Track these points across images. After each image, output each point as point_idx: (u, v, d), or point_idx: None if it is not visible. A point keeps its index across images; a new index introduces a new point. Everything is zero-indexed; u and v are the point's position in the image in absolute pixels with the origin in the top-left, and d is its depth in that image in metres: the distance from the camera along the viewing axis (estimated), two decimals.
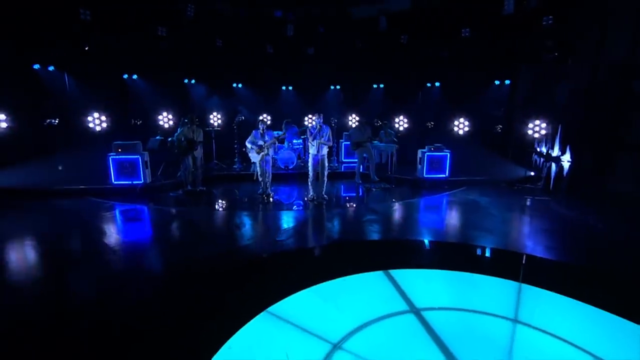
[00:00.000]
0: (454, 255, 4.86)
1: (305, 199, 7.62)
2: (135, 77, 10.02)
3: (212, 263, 4.50)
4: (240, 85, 12.47)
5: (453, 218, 6.65)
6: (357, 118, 12.58)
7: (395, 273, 4.00)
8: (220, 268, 4.33)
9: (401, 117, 11.48)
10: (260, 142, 7.37)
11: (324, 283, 3.74)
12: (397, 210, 7.14)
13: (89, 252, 4.90)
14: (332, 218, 6.66)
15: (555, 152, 8.05)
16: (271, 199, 7.57)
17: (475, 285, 3.83)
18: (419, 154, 9.14)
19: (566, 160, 7.72)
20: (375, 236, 5.71)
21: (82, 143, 8.76)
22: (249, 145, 7.48)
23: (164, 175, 9.00)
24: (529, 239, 5.48)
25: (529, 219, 6.52)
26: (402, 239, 5.42)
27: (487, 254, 4.89)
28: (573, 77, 7.87)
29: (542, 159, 8.77)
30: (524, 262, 4.46)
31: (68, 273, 4.32)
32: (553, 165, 8.23)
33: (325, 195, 7.57)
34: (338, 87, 12.73)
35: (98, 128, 8.80)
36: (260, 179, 7.77)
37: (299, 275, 3.98)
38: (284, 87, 12.86)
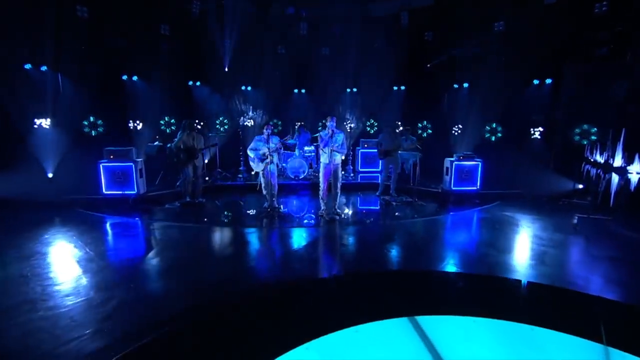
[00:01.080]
0: (499, 295, 3.93)
1: (316, 214, 6.87)
2: (135, 78, 9.59)
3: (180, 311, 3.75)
4: (249, 89, 11.94)
5: (490, 240, 5.68)
6: (378, 124, 12.07)
7: (424, 321, 3.13)
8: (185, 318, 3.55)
9: (424, 122, 10.62)
10: (264, 149, 6.68)
11: (329, 335, 2.92)
12: (421, 230, 6.25)
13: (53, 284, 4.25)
14: (344, 239, 5.85)
15: (618, 161, 6.96)
16: (277, 214, 6.86)
17: (538, 344, 2.91)
18: (446, 163, 8.28)
19: (635, 171, 6.60)
20: (396, 265, 4.84)
21: (76, 148, 8.29)
22: (250, 154, 6.81)
23: (162, 185, 8.48)
24: (596, 272, 4.46)
25: (587, 244, 5.48)
26: (430, 271, 4.52)
27: (548, 295, 3.92)
28: (635, 74, 6.80)
29: (597, 169, 7.66)
30: (603, 311, 3.48)
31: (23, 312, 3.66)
32: (614, 176, 7.14)
33: (338, 210, 6.82)
34: (355, 89, 12.04)
35: (94, 132, 8.32)
36: (264, 192, 7.07)
37: (295, 324, 3.16)
38: (296, 90, 12.31)
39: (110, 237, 5.79)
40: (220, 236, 5.90)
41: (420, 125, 11.31)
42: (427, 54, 10.22)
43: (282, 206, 7.29)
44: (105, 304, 3.56)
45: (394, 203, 7.80)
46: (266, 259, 4.96)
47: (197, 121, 9.56)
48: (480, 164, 8.03)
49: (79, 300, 3.64)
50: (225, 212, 7.28)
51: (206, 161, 7.51)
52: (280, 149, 6.93)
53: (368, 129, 12.26)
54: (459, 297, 3.86)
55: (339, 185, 6.70)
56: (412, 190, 8.18)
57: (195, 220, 6.65)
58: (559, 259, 4.87)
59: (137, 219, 6.75)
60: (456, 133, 10.65)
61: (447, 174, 8.22)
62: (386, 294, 3.85)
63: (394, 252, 5.19)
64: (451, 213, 7.35)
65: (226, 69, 11.07)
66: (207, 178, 9.15)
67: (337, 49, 11.09)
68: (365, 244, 5.57)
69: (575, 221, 6.14)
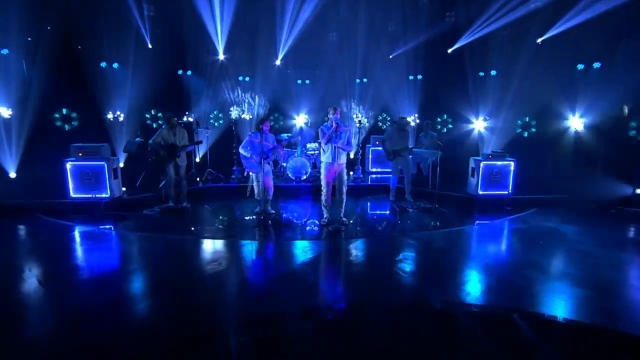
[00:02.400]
0: (555, 343, 2.99)
1: (318, 223, 6.06)
2: (115, 65, 8.85)
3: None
4: (247, 79, 11.11)
5: (533, 261, 4.71)
6: (390, 119, 11.27)
7: None
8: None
9: (444, 116, 9.83)
10: (264, 154, 5.91)
11: None
12: (444, 245, 5.32)
13: None
14: (350, 256, 4.96)
15: None
16: (271, 222, 6.05)
17: None
18: (472, 163, 7.38)
19: None
20: (412, 293, 3.93)
21: (45, 144, 7.55)
22: (242, 152, 6.03)
23: (143, 187, 7.69)
24: None
25: None
26: (457, 304, 3.60)
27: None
28: None
29: None
30: None
31: None
32: None
33: (344, 219, 5.96)
34: (365, 80, 11.16)
35: (67, 126, 7.59)
36: (256, 196, 6.28)
37: None
38: (299, 81, 11.47)
39: (70, 252, 4.99)
40: (199, 252, 5.06)
41: (439, 119, 10.40)
42: (448, 36, 9.26)
43: (274, 212, 6.50)
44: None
45: (411, 210, 6.90)
46: (251, 285, 4.10)
47: (187, 113, 8.87)
48: (513, 163, 7.10)
49: None
50: (210, 220, 6.45)
51: (183, 163, 6.71)
52: (276, 149, 6.15)
53: (380, 124, 11.44)
54: (499, 344, 2.93)
55: (344, 189, 5.87)
56: (432, 194, 7.29)
57: (172, 230, 5.85)
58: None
59: (106, 227, 5.96)
60: (482, 128, 9.72)
61: (472, 176, 7.32)
62: (404, 338, 2.95)
63: (411, 277, 4.27)
64: (479, 223, 6.46)
65: (220, 57, 10.33)
66: (198, 179, 8.49)
67: (344, 33, 10.24)
68: (375, 264, 4.67)
69: None
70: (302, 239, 5.51)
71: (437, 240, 5.48)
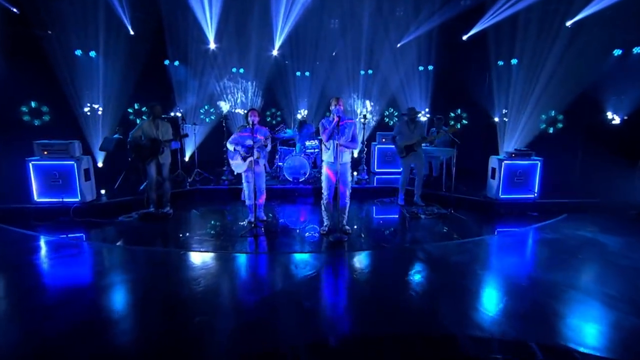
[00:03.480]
0: None
1: (318, 230, 5.53)
2: (92, 54, 8.34)
3: None
4: (241, 71, 10.55)
5: (569, 278, 4.08)
6: (398, 113, 10.77)
7: None
8: None
9: (458, 111, 9.38)
10: (249, 143, 5.35)
11: None
12: (463, 259, 4.69)
13: None
14: (354, 273, 4.36)
15: None
16: (264, 231, 5.50)
17: None
18: (492, 163, 6.81)
19: None
20: (428, 321, 3.32)
21: (11, 142, 6.98)
22: (230, 147, 5.50)
23: (122, 190, 7.15)
24: None
25: None
26: (489, 340, 2.99)
27: None
28: None
29: None
30: None
31: None
32: None
33: (346, 227, 5.43)
34: (370, 71, 10.60)
35: (37, 122, 7.01)
36: (248, 201, 5.74)
37: None
38: (298, 73, 10.93)
39: (27, 268, 4.38)
40: (177, 268, 4.44)
41: (452, 114, 9.88)
42: (463, 22, 8.71)
43: (267, 219, 6.02)
44: None
45: (423, 216, 6.32)
46: (238, 310, 3.50)
47: (175, 107, 8.32)
48: (539, 163, 6.52)
49: None
50: (195, 228, 5.86)
51: (167, 162, 6.21)
52: (267, 146, 5.56)
53: (386, 119, 10.92)
54: None
55: (347, 192, 5.29)
56: (446, 198, 6.75)
57: (149, 241, 5.28)
58: None
59: (74, 237, 5.37)
60: (498, 122, 9.11)
61: (493, 177, 6.75)
62: None
63: (425, 300, 3.65)
64: (502, 231, 5.88)
65: (211, 46, 9.80)
66: (189, 180, 7.98)
67: (347, 20, 9.72)
68: (383, 284, 4.06)
69: None
70: (299, 251, 4.92)
71: (455, 253, 4.85)
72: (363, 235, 5.50)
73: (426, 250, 4.92)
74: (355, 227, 5.79)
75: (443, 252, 4.86)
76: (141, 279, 4.09)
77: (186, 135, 6.51)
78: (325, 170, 5.24)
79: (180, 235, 5.57)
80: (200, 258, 4.68)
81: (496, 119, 9.14)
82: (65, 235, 5.37)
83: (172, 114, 9.22)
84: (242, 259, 4.70)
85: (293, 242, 5.23)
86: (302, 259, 4.69)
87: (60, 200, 5.96)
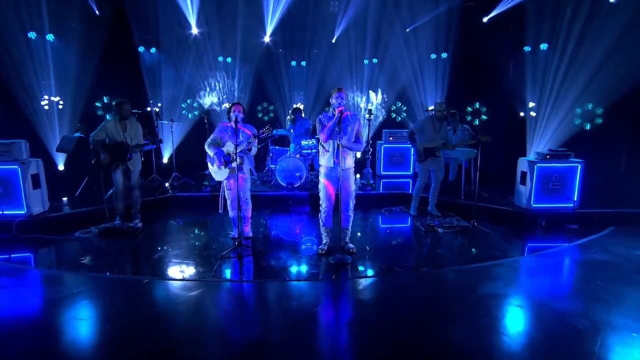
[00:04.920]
0: None
1: (316, 249, 4.89)
2: (50, 37, 7.63)
3: None
4: (229, 60, 10.08)
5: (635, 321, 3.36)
6: (405, 107, 10.38)
7: None
8: None
9: (476, 105, 8.95)
10: (229, 147, 4.78)
11: None
12: (495, 288, 3.96)
13: None
14: (359, 309, 3.64)
15: None
16: (251, 250, 4.83)
17: None
18: (521, 166, 6.20)
19: None
20: None
21: None
22: (209, 151, 4.87)
23: (84, 199, 6.54)
24: None
25: None
26: None
27: None
28: None
29: None
30: None
31: None
32: None
33: (350, 245, 4.79)
34: (375, 60, 10.18)
35: None
36: (230, 212, 5.12)
37: None
38: (293, 63, 10.56)
39: None
40: (137, 302, 3.71)
41: (469, 108, 9.33)
42: (483, 1, 8.22)
43: (260, 228, 5.28)
44: None
45: (440, 230, 5.65)
46: None
47: (151, 102, 7.78)
48: (580, 166, 5.90)
49: None
50: (166, 247, 5.13)
51: (136, 168, 5.69)
52: (252, 148, 4.92)
53: (393, 115, 10.49)
54: None
55: (351, 204, 4.67)
56: (465, 207, 6.17)
57: (107, 263, 4.56)
58: None
59: (16, 260, 4.64)
60: (525, 117, 8.52)
61: (523, 183, 6.14)
62: None
63: (451, 352, 2.92)
64: (534, 246, 5.25)
65: (193, 32, 9.27)
66: (167, 185, 7.48)
67: (349, 2, 9.26)
68: (395, 325, 3.31)
69: None
70: (291, 278, 4.21)
71: (483, 279, 4.12)
72: (370, 255, 4.83)
73: (447, 276, 4.23)
74: (361, 243, 5.15)
75: (469, 279, 4.14)
76: (88, 318, 3.36)
77: (160, 142, 5.85)
78: (323, 176, 4.60)
79: (148, 256, 4.86)
80: (167, 289, 3.96)
81: (522, 114, 8.59)
82: (7, 256, 4.66)
83: (148, 109, 8.63)
84: (220, 289, 4.01)
85: (285, 265, 4.53)
86: (296, 289, 3.98)
87: (0, 212, 5.29)
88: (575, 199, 5.89)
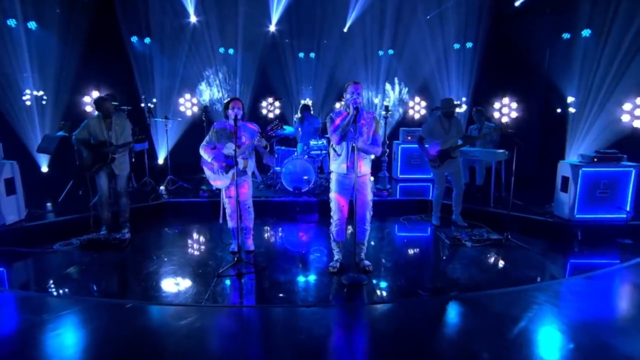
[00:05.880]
0: None
1: (327, 266, 4.55)
2: (32, 25, 7.41)
3: None
4: (230, 51, 9.93)
5: None
6: (424, 103, 10.12)
7: None
8: None
9: (505, 100, 8.54)
10: (229, 148, 4.51)
11: None
12: (541, 318, 3.51)
13: None
14: (376, 345, 3.22)
15: None
16: (253, 267, 4.52)
17: None
18: (562, 170, 5.81)
19: None
20: None
21: None
22: (205, 156, 4.67)
23: (67, 205, 6.30)
24: None
25: None
26: None
27: None
28: None
29: None
30: None
31: None
32: None
33: (367, 263, 4.46)
34: (391, 51, 9.92)
35: None
36: (230, 223, 4.87)
37: None
38: (301, 54, 10.36)
39: None
40: (119, 331, 3.35)
41: (498, 104, 9.00)
42: None
43: (254, 252, 5.04)
44: None
45: (469, 243, 5.28)
46: None
47: (143, 97, 7.68)
48: (634, 170, 5.48)
49: None
50: (155, 263, 4.78)
51: (123, 172, 5.50)
52: (261, 147, 4.72)
53: (411, 112, 10.23)
54: None
55: (368, 215, 4.35)
56: (497, 216, 5.88)
57: (88, 282, 4.25)
58: None
59: None
60: (568, 117, 8.07)
61: (564, 189, 5.74)
62: None
63: None
64: (580, 263, 4.97)
65: (191, 20, 9.12)
66: (162, 189, 7.36)
67: None
68: None
69: None
70: (297, 303, 3.84)
71: (525, 307, 3.63)
72: (388, 274, 4.49)
73: (482, 303, 3.77)
74: (377, 259, 4.82)
75: (508, 307, 3.67)
76: (58, 350, 3.00)
77: (142, 140, 5.57)
78: (335, 184, 4.26)
79: (134, 273, 4.57)
80: (153, 316, 3.60)
81: (558, 110, 8.23)
82: None
83: (144, 105, 8.57)
84: (216, 316, 3.67)
85: (291, 287, 4.17)
86: (305, 317, 3.58)
87: None
88: (628, 209, 5.46)
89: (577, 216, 5.54)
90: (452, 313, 3.69)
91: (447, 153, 5.68)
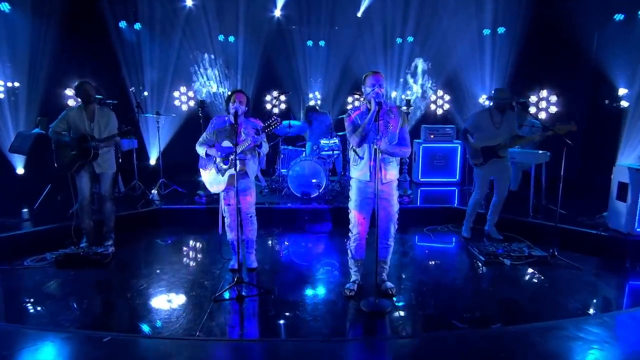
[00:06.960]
0: None
1: (343, 289, 4.26)
2: (5, 7, 7.25)
3: None
4: (231, 39, 9.90)
5: None
6: (448, 96, 10.01)
7: None
8: None
9: (543, 93, 8.26)
10: (227, 145, 4.34)
11: None
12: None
13: None
14: None
15: None
16: (255, 288, 4.32)
17: None
18: (618, 175, 5.44)
19: None
20: None
21: None
22: (201, 151, 4.52)
23: (44, 211, 6.15)
24: None
25: None
26: None
27: None
28: None
29: None
30: None
31: None
32: None
33: (389, 285, 4.16)
34: (410, 39, 9.73)
35: None
36: (229, 234, 4.62)
37: None
38: (309, 42, 10.22)
39: None
40: None
41: (535, 97, 8.72)
42: None
43: (256, 268, 4.82)
44: None
45: (507, 261, 4.93)
46: None
47: (132, 90, 7.53)
48: None
49: None
50: (143, 283, 4.49)
51: (109, 171, 5.30)
52: (258, 146, 4.42)
53: (434, 106, 10.03)
54: None
55: (392, 229, 4.06)
56: (539, 228, 5.66)
57: (59, 310, 3.90)
58: None
59: None
60: (622, 112, 7.80)
61: (621, 198, 5.37)
62: None
63: None
64: None
65: (187, 3, 9.08)
66: (154, 193, 7.25)
67: None
68: None
69: None
70: (308, 337, 3.51)
71: (583, 347, 3.24)
72: (414, 298, 4.14)
73: (530, 339, 3.34)
74: (400, 279, 4.54)
75: (563, 345, 3.27)
76: None
77: (127, 133, 5.26)
78: (356, 193, 3.96)
79: (118, 296, 4.25)
80: (136, 351, 3.29)
81: (606, 102, 8.01)
82: None
83: (131, 99, 8.35)
84: (210, 353, 3.37)
85: (300, 314, 3.84)
86: (316, 354, 3.24)
87: None
88: None
89: (637, 229, 5.20)
90: (495, 351, 3.28)
91: (492, 150, 5.35)
